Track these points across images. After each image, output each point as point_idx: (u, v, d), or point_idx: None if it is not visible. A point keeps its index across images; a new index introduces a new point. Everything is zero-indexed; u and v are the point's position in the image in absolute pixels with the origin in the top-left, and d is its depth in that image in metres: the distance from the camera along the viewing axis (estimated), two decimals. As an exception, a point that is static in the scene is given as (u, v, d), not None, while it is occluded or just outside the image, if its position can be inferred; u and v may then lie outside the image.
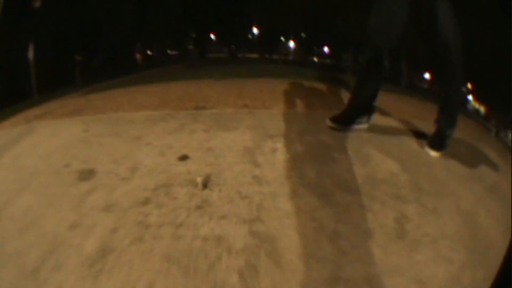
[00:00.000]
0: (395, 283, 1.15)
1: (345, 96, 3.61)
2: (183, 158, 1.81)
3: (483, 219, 1.68)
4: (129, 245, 1.23)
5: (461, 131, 2.38)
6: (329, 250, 1.24)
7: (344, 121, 2.35)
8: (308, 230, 1.32)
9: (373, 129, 2.42)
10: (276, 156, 1.88)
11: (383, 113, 2.72)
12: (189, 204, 1.45)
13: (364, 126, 2.41)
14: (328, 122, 2.33)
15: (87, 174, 1.73)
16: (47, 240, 1.31)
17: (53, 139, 2.32)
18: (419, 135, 2.43)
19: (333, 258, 1.20)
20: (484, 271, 1.23)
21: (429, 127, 2.33)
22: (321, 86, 4.26)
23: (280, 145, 2.00)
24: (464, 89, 2.34)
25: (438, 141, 2.21)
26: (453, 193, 1.81)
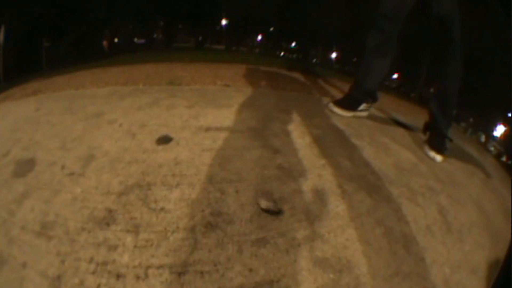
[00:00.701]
0: (460, 278, 0.98)
1: (324, 83, 3.51)
2: (165, 140, 1.12)
3: (489, 206, 1.63)
4: None
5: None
6: (409, 261, 0.92)
7: (349, 106, 2.11)
8: (380, 240, 0.92)
9: (372, 118, 2.20)
10: (293, 139, 1.29)
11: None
12: (192, 220, 0.75)
13: (364, 114, 2.20)
14: (332, 106, 2.06)
15: (25, 167, 1.13)
16: None
17: (6, 120, 1.81)
18: (410, 127, 2.28)
19: (415, 269, 0.90)
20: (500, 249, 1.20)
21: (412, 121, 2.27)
22: (298, 72, 3.87)
23: (291, 127, 1.43)
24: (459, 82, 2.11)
25: (440, 144, 1.96)
26: (463, 184, 1.68)
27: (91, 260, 0.63)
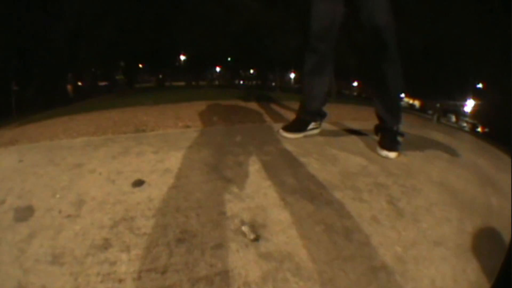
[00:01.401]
0: (419, 252, 1.11)
1: (279, 108, 3.87)
2: (138, 183, 1.37)
3: (456, 182, 1.80)
4: None
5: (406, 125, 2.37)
6: (351, 247, 1.08)
7: (298, 128, 2.27)
8: (319, 235, 1.12)
9: (324, 133, 2.41)
10: (244, 168, 1.56)
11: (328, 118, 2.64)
12: (166, 238, 1.02)
13: (315, 131, 2.37)
14: (282, 133, 2.24)
15: (25, 213, 1.27)
16: None
17: None
18: (364, 133, 2.47)
19: (359, 252, 1.06)
20: (478, 216, 1.43)
21: (371, 125, 2.32)
22: (254, 102, 4.26)
23: (243, 158, 1.70)
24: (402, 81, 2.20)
25: (391, 142, 2.07)
26: (421, 170, 1.86)
27: (98, 274, 0.86)
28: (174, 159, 1.64)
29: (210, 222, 1.11)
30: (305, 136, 2.23)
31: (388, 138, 2.12)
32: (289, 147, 1.94)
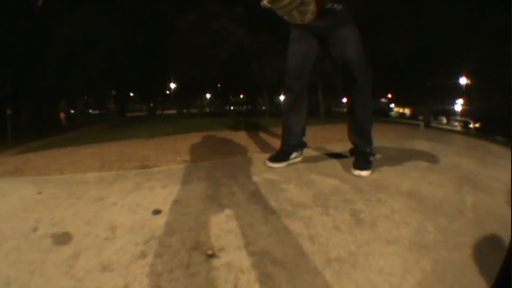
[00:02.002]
0: (371, 248, 1.43)
1: (267, 137, 4.31)
2: (157, 212, 1.79)
3: (426, 189, 2.16)
4: None
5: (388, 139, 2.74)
6: (313, 246, 1.44)
7: (281, 159, 2.60)
8: (290, 240, 1.50)
9: (306, 159, 2.77)
10: (237, 197, 1.98)
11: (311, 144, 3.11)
12: (186, 246, 1.45)
13: (298, 159, 2.71)
14: (268, 163, 2.59)
15: (63, 238, 1.56)
16: None
17: (5, 200, 2.15)
18: (344, 155, 2.83)
19: (319, 249, 1.42)
20: (442, 216, 1.77)
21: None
22: (243, 131, 4.75)
23: (235, 188, 2.12)
24: (371, 109, 2.57)
25: (364, 163, 2.38)
26: (392, 183, 2.22)
27: (142, 273, 1.25)
28: (181, 192, 2.05)
29: (214, 235, 1.54)
30: (288, 165, 2.60)
31: (361, 159, 2.42)
32: (273, 176, 2.36)
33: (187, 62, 18.83)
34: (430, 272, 1.30)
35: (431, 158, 2.87)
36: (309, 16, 2.11)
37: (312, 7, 2.07)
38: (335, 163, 2.69)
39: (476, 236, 1.59)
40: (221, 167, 2.67)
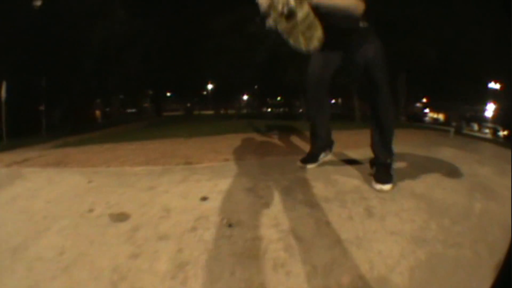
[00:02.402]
0: (375, 236, 1.70)
1: (301, 139, 4.58)
2: (204, 198, 2.15)
3: (439, 193, 2.32)
4: (199, 255, 1.52)
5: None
6: (328, 229, 1.76)
7: (311, 160, 2.88)
8: (311, 224, 1.83)
9: (335, 162, 3.08)
10: (271, 189, 2.32)
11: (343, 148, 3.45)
12: (228, 223, 1.83)
13: (327, 158, 2.95)
14: (299, 164, 2.87)
15: (121, 217, 1.88)
16: (108, 272, 1.39)
17: (55, 186, 2.48)
18: (362, 162, 2.99)
19: (332, 232, 1.73)
20: (447, 218, 1.92)
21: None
22: (280, 135, 5.02)
23: (271, 183, 2.45)
24: (392, 117, 2.56)
25: (384, 176, 2.38)
26: (408, 186, 2.39)
27: (193, 240, 1.63)
28: (223, 184, 2.40)
29: (253, 217, 1.90)
30: (318, 165, 2.88)
31: (381, 171, 2.42)
32: (304, 174, 2.67)
33: (223, 64, 19.13)
34: (424, 261, 1.49)
35: (451, 166, 2.99)
36: (315, 43, 2.13)
37: (318, 33, 2.11)
38: (360, 167, 2.90)
39: (476, 239, 1.70)
40: (259, 166, 3.00)
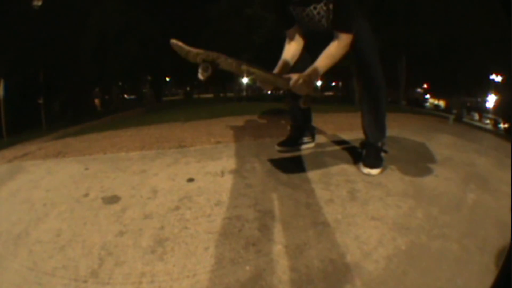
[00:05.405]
0: (354, 220, 1.74)
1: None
2: (190, 180, 2.28)
3: (430, 180, 2.31)
4: (178, 232, 1.66)
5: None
6: (307, 211, 1.85)
7: (290, 143, 2.86)
8: (290, 205, 1.92)
9: (328, 144, 3.18)
10: (257, 171, 2.44)
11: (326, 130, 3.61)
12: (210, 203, 1.95)
13: (311, 145, 2.95)
14: (277, 147, 2.83)
15: (112, 199, 2.02)
16: (97, 249, 1.55)
17: (54, 176, 2.58)
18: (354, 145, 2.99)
19: (310, 214, 1.82)
20: (436, 207, 1.90)
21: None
22: (275, 117, 5.00)
23: (257, 164, 2.55)
24: (385, 97, 2.45)
25: (373, 160, 2.37)
26: (398, 171, 2.39)
27: (175, 220, 1.76)
28: (211, 166, 2.52)
29: (234, 197, 2.02)
30: (305, 149, 2.89)
31: (371, 155, 2.39)
32: (291, 155, 2.77)
33: (222, 48, 19.01)
34: (403, 251, 1.48)
35: (448, 153, 2.93)
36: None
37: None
38: (351, 149, 2.91)
39: (465, 233, 1.65)
40: (249, 147, 3.08)
